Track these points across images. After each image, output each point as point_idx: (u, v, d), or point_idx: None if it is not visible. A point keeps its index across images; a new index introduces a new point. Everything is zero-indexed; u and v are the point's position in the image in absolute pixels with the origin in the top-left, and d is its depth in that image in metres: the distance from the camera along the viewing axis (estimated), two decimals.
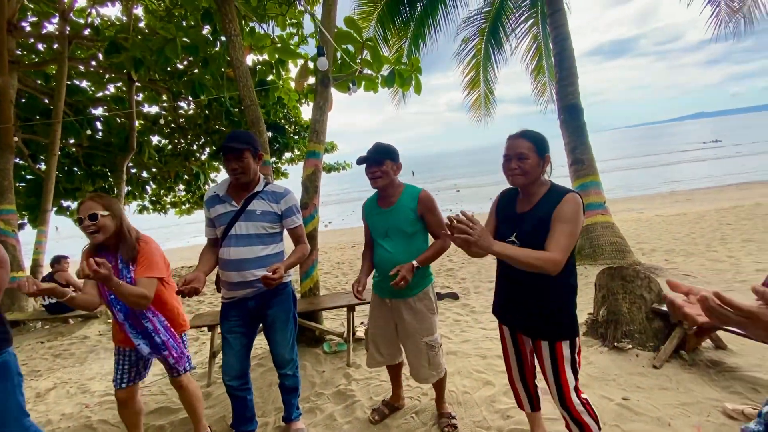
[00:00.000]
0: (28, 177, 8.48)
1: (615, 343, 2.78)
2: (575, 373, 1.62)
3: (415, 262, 1.96)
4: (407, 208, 2.05)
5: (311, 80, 4.67)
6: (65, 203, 9.31)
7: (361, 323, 3.84)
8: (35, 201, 7.67)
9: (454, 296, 4.80)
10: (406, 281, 1.88)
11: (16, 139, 6.07)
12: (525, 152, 1.55)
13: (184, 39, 5.39)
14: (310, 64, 4.63)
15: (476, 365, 2.92)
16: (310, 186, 3.43)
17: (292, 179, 11.96)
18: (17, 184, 8.21)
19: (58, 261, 5.63)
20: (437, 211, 2.07)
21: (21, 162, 8.11)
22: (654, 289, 2.79)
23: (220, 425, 2.54)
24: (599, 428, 1.63)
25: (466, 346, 3.28)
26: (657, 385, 2.41)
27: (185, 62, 7.16)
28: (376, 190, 2.14)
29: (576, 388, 1.63)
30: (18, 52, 7.18)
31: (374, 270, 2.22)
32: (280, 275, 1.82)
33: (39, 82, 8.06)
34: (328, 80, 3.51)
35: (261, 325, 2.21)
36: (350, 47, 4.26)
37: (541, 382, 1.91)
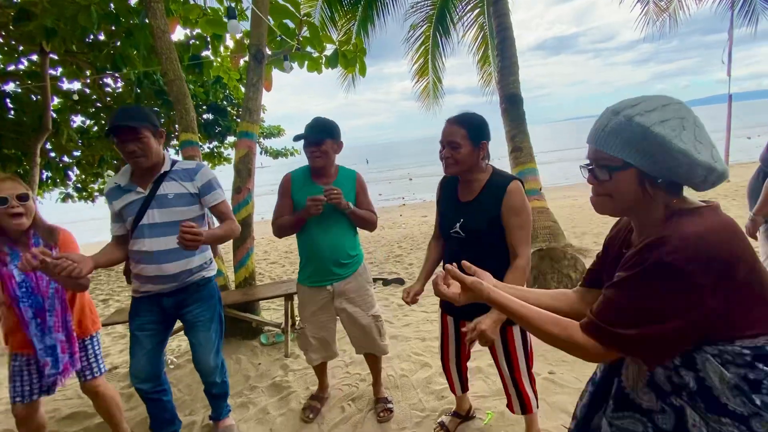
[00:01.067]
0: None
1: None
2: (527, 355, 1.65)
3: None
4: (346, 189, 1.99)
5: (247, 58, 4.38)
6: None
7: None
8: None
9: (401, 281, 4.82)
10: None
11: None
12: (458, 141, 1.50)
13: (102, 7, 4.82)
14: (247, 41, 4.34)
15: (415, 348, 2.94)
16: (243, 169, 3.22)
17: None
18: None
19: None
20: (367, 193, 2.13)
21: None
22: (579, 269, 2.96)
23: (142, 428, 2.34)
24: (537, 402, 1.70)
25: (407, 330, 3.30)
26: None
27: (109, 33, 6.44)
28: (303, 165, 2.08)
29: (528, 369, 1.67)
30: None
31: (304, 258, 2.11)
32: (197, 234, 1.55)
33: None
34: (261, 55, 3.28)
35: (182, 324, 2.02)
36: (290, 23, 4.03)
37: (473, 362, 1.94)
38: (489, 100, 9.28)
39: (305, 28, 3.89)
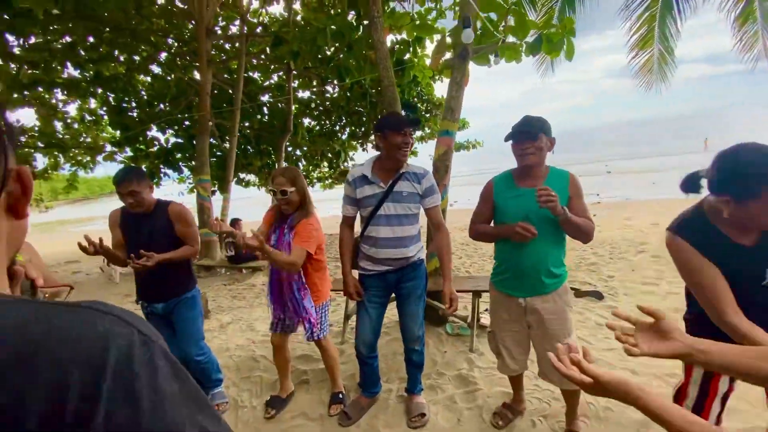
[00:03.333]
0: (218, 154, 10.66)
1: None
2: None
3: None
4: (557, 192, 1.77)
5: (448, 55, 4.52)
6: (242, 175, 11.46)
7: (486, 310, 3.71)
8: (222, 173, 9.61)
9: (598, 295, 4.19)
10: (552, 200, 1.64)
11: (210, 123, 7.63)
12: None
13: (332, 27, 5.85)
14: (448, 39, 4.48)
15: None
16: (441, 166, 3.37)
17: (421, 157, 12.14)
18: (211, 159, 10.44)
19: (235, 222, 7.11)
20: (583, 196, 1.87)
21: (214, 142, 10.24)
22: None
23: (351, 382, 2.81)
24: None
25: (611, 356, 2.85)
26: None
27: (335, 49, 7.81)
28: (505, 170, 2.00)
29: None
30: (213, 53, 8.93)
31: (499, 263, 2.04)
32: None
33: (226, 76, 9.92)
34: (467, 53, 3.33)
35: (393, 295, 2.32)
36: (493, 15, 3.94)
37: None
38: (752, 68, 6.91)
39: (510, 18, 3.73)
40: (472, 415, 2.31)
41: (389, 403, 2.51)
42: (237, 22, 8.69)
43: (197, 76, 8.53)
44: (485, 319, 3.37)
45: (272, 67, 10.09)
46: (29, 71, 7.69)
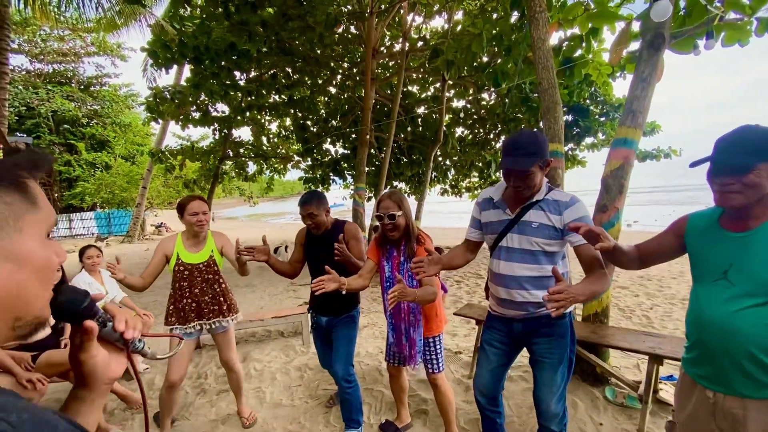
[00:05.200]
0: (376, 163, 11.57)
1: None
2: None
3: None
4: None
5: (633, 47, 3.64)
6: (395, 183, 12.15)
7: (668, 378, 2.76)
8: (376, 180, 10.35)
9: None
10: None
11: (368, 136, 8.27)
12: None
13: (490, 31, 5.51)
14: (635, 26, 3.59)
15: None
16: (614, 184, 2.66)
17: (590, 169, 10.41)
18: (369, 168, 11.41)
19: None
20: None
21: (372, 152, 11.16)
22: None
23: (474, 427, 2.47)
24: None
25: None
26: None
27: (491, 54, 7.44)
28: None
29: None
30: (377, 71, 9.73)
31: (692, 334, 1.37)
32: (564, 300, 1.33)
33: (388, 92, 10.69)
34: (662, 40, 2.54)
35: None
36: None
37: None
38: None
39: None
40: None
41: None
42: (400, 40, 9.22)
43: (363, 93, 9.42)
44: (666, 393, 2.50)
45: (430, 79, 10.34)
46: (248, 98, 9.90)
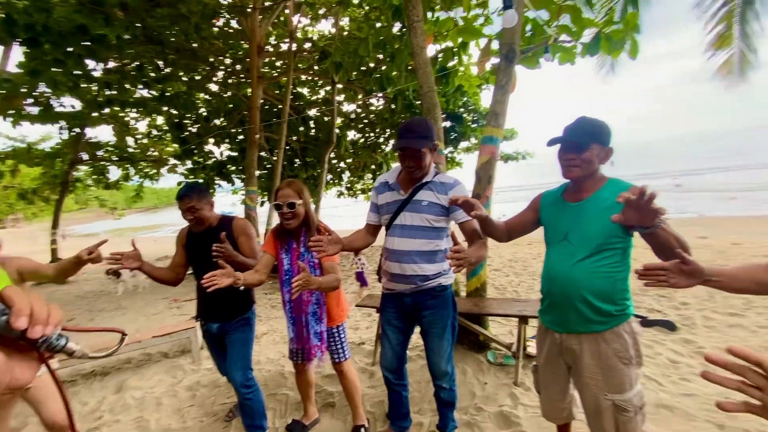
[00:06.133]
0: (267, 166, 11.08)
1: None
2: None
3: None
4: (604, 207, 1.45)
5: (494, 60, 4.26)
6: None
7: (533, 337, 3.31)
8: (269, 184, 9.94)
9: (670, 326, 3.61)
10: None
11: (258, 136, 7.90)
12: None
13: (378, 37, 5.83)
14: (494, 45, 4.22)
15: None
16: (484, 176, 3.10)
17: (467, 170, 11.77)
18: (261, 171, 10.87)
19: None
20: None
21: (264, 155, 10.67)
22: None
23: (379, 409, 2.58)
24: None
25: (691, 404, 2.36)
26: None
27: (377, 60, 7.83)
28: (566, 181, 1.63)
29: None
30: (264, 70, 9.35)
31: (543, 286, 1.68)
32: (462, 258, 1.45)
33: (276, 92, 10.35)
34: (513, 54, 3.06)
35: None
36: (543, 14, 3.64)
37: None
38: None
39: (564, 15, 3.41)
40: None
41: None
42: (287, 40, 9.05)
43: (249, 92, 8.96)
44: (532, 348, 3.00)
45: (320, 82, 10.37)
46: (106, 91, 8.48)
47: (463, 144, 10.59)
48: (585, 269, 1.48)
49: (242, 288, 1.80)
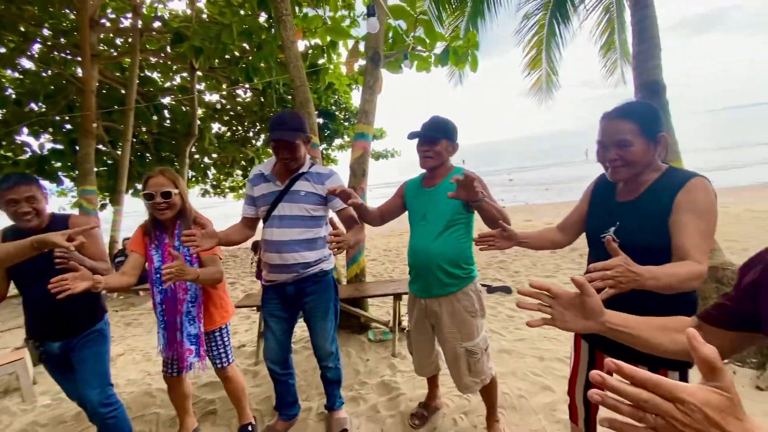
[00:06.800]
0: (109, 162, 9.33)
1: None
2: None
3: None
4: (450, 188, 1.75)
5: (362, 62, 4.54)
6: (139, 186, 10.18)
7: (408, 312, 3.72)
8: (112, 183, 8.41)
9: (507, 290, 4.50)
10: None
11: (95, 125, 6.62)
12: (628, 138, 1.19)
13: (243, 26, 5.52)
14: (361, 46, 4.50)
15: (533, 367, 2.67)
16: (358, 170, 3.32)
17: (341, 166, 12.10)
18: (100, 168, 9.08)
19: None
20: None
21: (103, 148, 8.94)
22: None
23: (266, 405, 2.56)
24: None
25: (522, 346, 3.03)
26: (763, 411, 2.02)
27: (242, 49, 7.39)
28: (423, 171, 1.93)
29: None
30: (100, 47, 7.83)
31: (409, 259, 1.96)
32: (342, 240, 1.56)
33: (117, 74, 8.77)
34: (378, 57, 3.35)
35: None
36: (402, 24, 4.05)
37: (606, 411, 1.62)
38: (611, 92, 8.18)
39: (419, 28, 3.87)
40: (395, 423, 2.24)
41: (308, 423, 2.32)
42: (129, 15, 7.76)
43: (80, 72, 7.39)
44: (406, 322, 3.37)
45: (175, 67, 9.21)
46: None
47: (337, 141, 10.84)
48: (440, 242, 1.80)
49: (104, 292, 1.56)
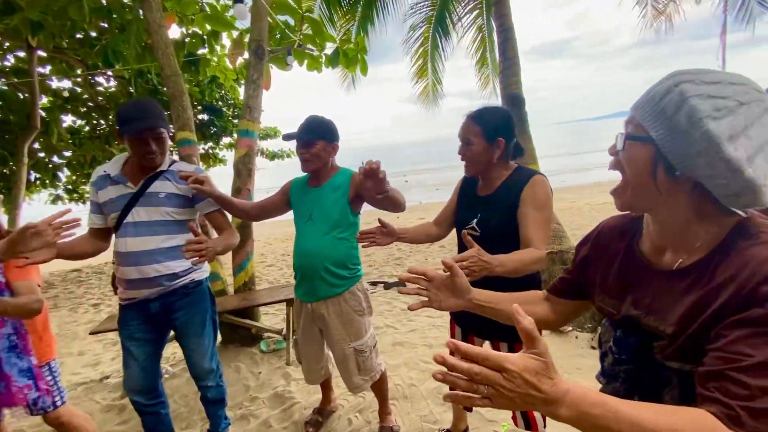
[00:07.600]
0: None
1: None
2: None
3: None
4: (342, 190, 1.77)
5: (247, 55, 4.27)
6: None
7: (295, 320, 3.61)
8: None
9: (402, 285, 4.71)
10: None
11: None
12: (471, 138, 1.43)
13: (99, 1, 4.68)
14: (246, 38, 4.22)
15: (423, 356, 2.83)
16: (243, 169, 3.09)
17: (230, 165, 11.21)
18: None
19: None
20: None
21: None
22: None
23: None
24: (545, 422, 1.56)
25: (413, 336, 3.19)
26: (595, 365, 2.46)
27: (101, 29, 6.28)
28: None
29: None
30: None
31: (295, 263, 1.88)
32: (203, 249, 1.44)
33: None
34: (262, 51, 3.17)
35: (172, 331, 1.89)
36: (290, 20, 3.93)
37: None
38: (485, 104, 9.25)
39: (306, 25, 3.78)
40: None
41: None
42: None
43: None
44: None
45: (6, 44, 7.36)
46: None
47: (226, 140, 10.01)
48: (326, 243, 1.76)
49: None
